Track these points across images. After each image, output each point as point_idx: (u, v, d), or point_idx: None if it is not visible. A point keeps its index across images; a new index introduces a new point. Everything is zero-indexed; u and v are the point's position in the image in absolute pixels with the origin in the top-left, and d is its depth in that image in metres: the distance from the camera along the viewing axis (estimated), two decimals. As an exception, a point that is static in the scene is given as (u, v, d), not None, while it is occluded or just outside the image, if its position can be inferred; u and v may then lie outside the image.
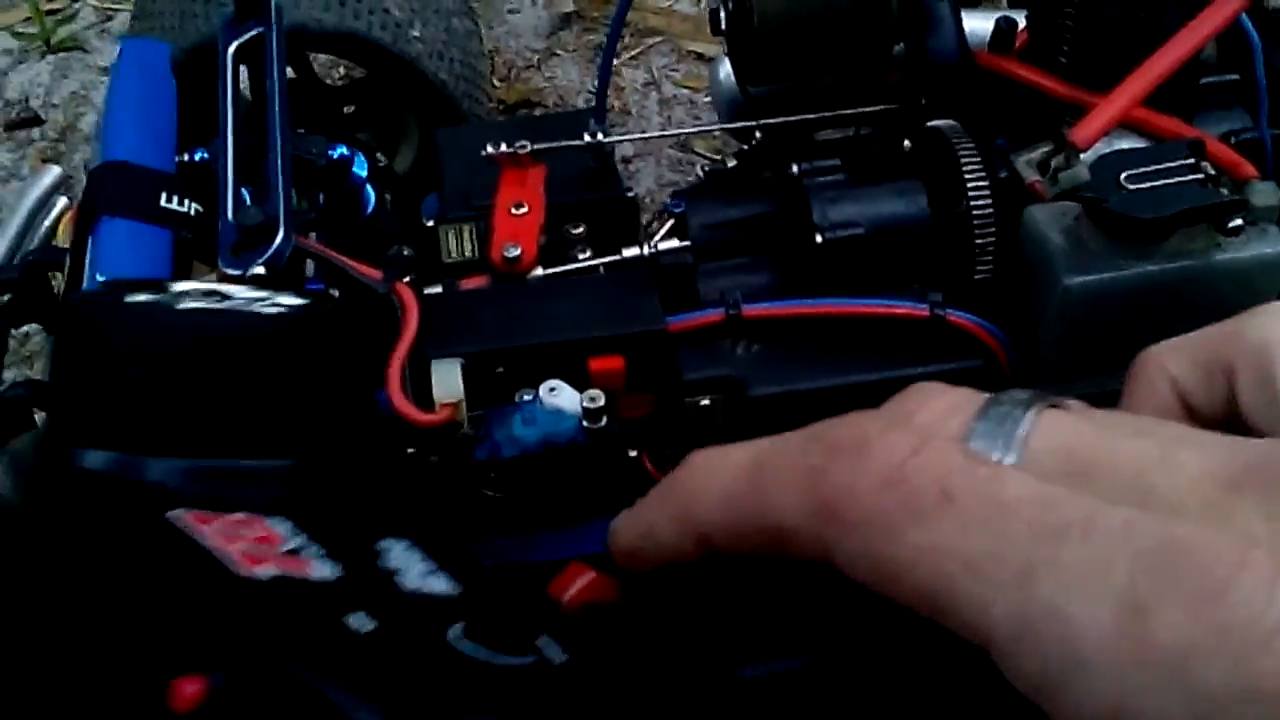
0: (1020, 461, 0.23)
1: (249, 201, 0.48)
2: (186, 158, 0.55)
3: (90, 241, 0.47)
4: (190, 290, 0.37)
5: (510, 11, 1.35)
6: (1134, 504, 0.22)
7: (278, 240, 0.44)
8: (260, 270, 0.44)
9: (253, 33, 0.53)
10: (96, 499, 0.31)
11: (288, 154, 0.48)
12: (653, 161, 1.19)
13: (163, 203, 0.49)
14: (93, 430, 0.32)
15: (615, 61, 1.33)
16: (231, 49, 0.52)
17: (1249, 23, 0.53)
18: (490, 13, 1.35)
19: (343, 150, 0.58)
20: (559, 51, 1.30)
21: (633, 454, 0.56)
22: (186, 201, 0.50)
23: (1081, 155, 0.54)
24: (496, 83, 1.25)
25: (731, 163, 0.76)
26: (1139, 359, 0.30)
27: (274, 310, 0.37)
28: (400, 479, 0.45)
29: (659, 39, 1.33)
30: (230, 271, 0.44)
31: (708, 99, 1.29)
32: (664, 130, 1.23)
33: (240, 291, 0.38)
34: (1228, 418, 0.27)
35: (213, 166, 0.52)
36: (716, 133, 0.96)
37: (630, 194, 0.67)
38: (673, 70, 1.30)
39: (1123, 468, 0.23)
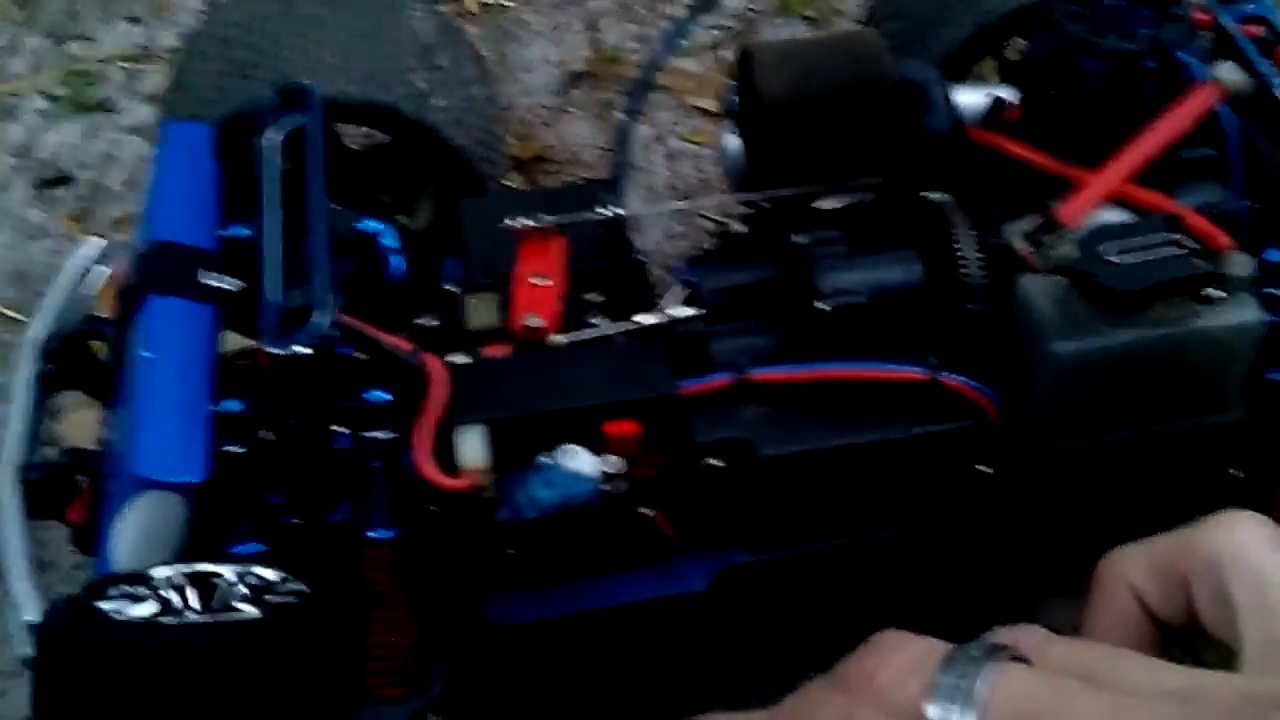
0: None
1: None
2: (227, 233, 0.58)
3: (138, 320, 0.50)
4: (174, 578, 0.38)
5: (523, 71, 1.39)
6: None
7: (319, 320, 0.48)
8: (304, 350, 0.48)
9: (293, 122, 0.57)
10: None
11: (326, 237, 0.52)
12: (658, 216, 1.22)
13: (206, 280, 0.52)
14: None
15: (622, 118, 1.37)
16: (276, 135, 0.56)
17: (1225, 107, 0.57)
18: (503, 71, 1.39)
19: (371, 224, 0.62)
20: (570, 109, 1.34)
21: (647, 513, 0.59)
22: (229, 278, 0.54)
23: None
24: (511, 140, 1.29)
25: (737, 225, 0.79)
26: (1101, 566, 0.30)
27: (247, 617, 0.38)
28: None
29: (664, 95, 1.37)
30: (273, 350, 0.48)
31: (712, 153, 1.32)
32: (671, 186, 1.27)
33: (229, 573, 0.39)
34: (1188, 623, 0.28)
35: (254, 243, 0.56)
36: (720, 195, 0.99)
37: (640, 258, 0.70)
38: (678, 125, 1.34)
39: None
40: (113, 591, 0.37)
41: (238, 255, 0.56)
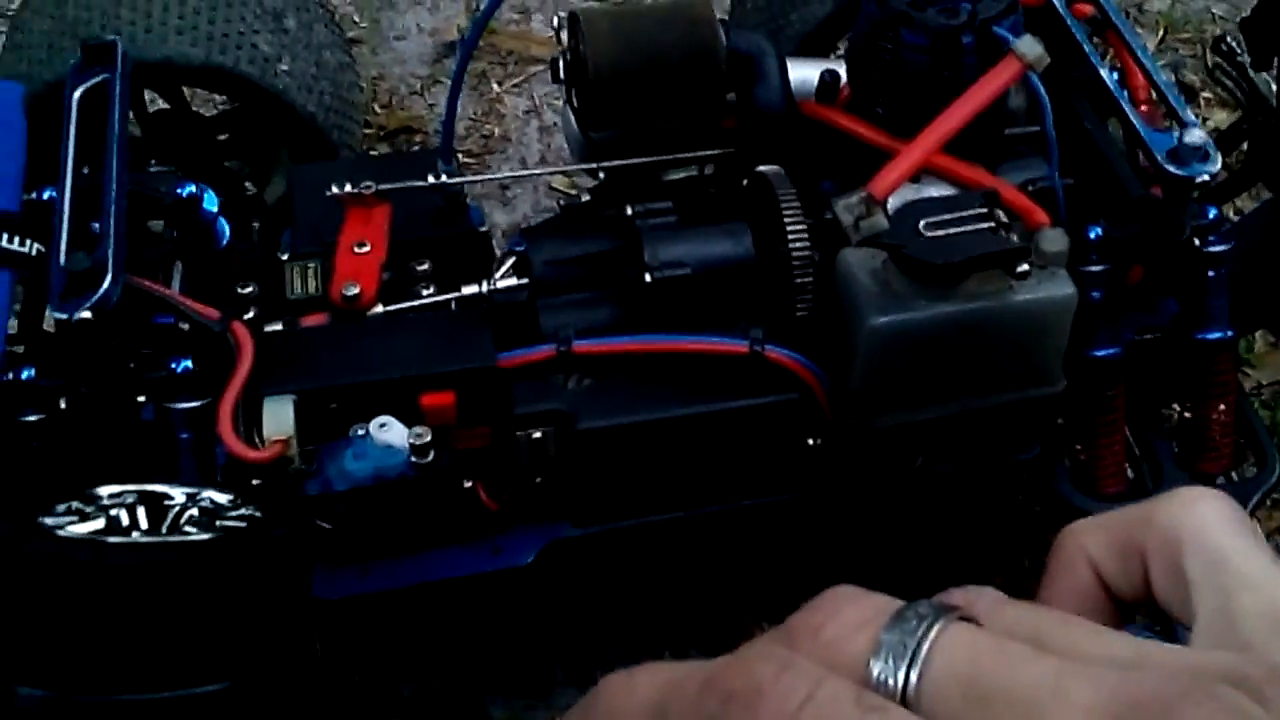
0: (920, 685, 0.24)
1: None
2: (35, 196, 0.56)
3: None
4: (124, 496, 0.38)
5: (396, 38, 1.37)
6: None
7: (104, 286, 0.46)
8: (87, 315, 0.46)
9: (99, 79, 0.55)
10: None
11: (121, 199, 0.50)
12: (530, 188, 1.21)
13: (2, 243, 0.50)
14: (28, 667, 0.34)
15: (497, 89, 1.36)
16: (77, 94, 0.54)
17: (1038, 83, 0.57)
18: (376, 39, 1.36)
19: (191, 188, 0.60)
20: (443, 79, 1.32)
21: (469, 485, 0.58)
22: (28, 241, 0.52)
23: (889, 202, 0.57)
24: (378, 109, 1.26)
25: (587, 197, 0.78)
26: (1060, 537, 0.30)
27: (200, 538, 0.37)
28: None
29: (540, 67, 1.35)
30: (58, 316, 0.46)
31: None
32: (543, 158, 1.26)
33: (179, 495, 0.38)
34: (1145, 598, 0.29)
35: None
36: (576, 170, 0.98)
37: (482, 229, 0.69)
38: (554, 99, 1.33)
39: (1018, 698, 0.23)
40: (59, 507, 0.37)
41: (44, 219, 0.54)
